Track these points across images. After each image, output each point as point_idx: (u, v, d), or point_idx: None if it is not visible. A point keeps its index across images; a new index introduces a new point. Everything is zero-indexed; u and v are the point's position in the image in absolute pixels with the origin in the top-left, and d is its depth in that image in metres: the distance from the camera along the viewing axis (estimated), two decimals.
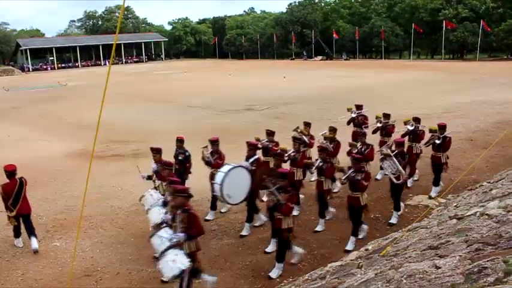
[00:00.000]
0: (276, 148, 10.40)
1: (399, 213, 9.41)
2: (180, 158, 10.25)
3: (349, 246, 8.25)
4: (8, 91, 43.36)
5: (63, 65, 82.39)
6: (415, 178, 11.56)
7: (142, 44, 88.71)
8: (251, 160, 9.37)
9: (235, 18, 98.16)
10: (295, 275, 7.44)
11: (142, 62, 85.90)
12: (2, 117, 26.43)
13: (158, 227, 6.86)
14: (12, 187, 8.62)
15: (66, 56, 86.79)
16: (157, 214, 7.39)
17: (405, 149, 9.95)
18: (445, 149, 10.47)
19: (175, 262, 5.96)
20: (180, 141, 10.40)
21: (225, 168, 8.50)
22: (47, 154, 16.45)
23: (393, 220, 9.30)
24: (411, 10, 68.08)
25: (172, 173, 8.61)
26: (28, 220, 8.85)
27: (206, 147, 9.85)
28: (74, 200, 11.18)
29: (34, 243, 8.72)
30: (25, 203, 8.77)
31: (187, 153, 10.25)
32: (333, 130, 11.12)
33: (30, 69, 76.82)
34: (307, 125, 11.66)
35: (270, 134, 10.92)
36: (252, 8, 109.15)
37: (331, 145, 10.54)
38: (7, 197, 8.60)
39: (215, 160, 9.59)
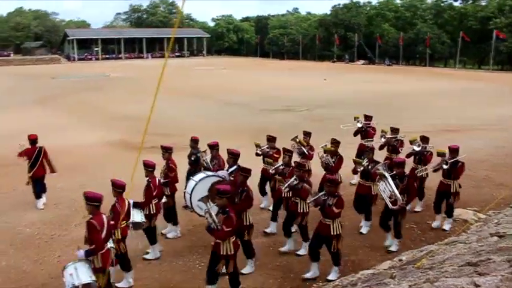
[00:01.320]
0: (277, 155, 9.75)
1: (398, 240, 8.40)
2: (192, 158, 9.98)
3: (331, 276, 7.40)
4: (54, 79, 44.80)
5: (107, 56, 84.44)
6: (417, 209, 10.22)
7: (185, 39, 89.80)
8: (230, 170, 8.61)
9: (278, 18, 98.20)
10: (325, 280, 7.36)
11: (184, 57, 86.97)
12: (46, 105, 27.32)
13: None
14: (33, 152, 10.23)
15: (110, 47, 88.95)
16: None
17: (407, 171, 9.02)
18: (456, 176, 9.04)
19: (72, 276, 5.66)
20: (194, 142, 10.02)
21: (197, 177, 8.19)
22: (85, 142, 16.88)
23: (393, 248, 8.31)
24: (460, 18, 66.27)
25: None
26: (42, 182, 10.44)
27: (205, 151, 9.47)
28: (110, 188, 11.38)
29: (40, 203, 10.38)
30: (41, 167, 10.33)
31: (199, 154, 9.85)
32: (335, 143, 9.99)
33: (76, 59, 79.10)
34: (307, 134, 10.81)
35: (271, 139, 10.19)
36: (297, 8, 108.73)
37: (332, 159, 9.65)
38: (29, 160, 10.24)
39: (214, 166, 9.15)
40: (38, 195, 10.43)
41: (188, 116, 22.35)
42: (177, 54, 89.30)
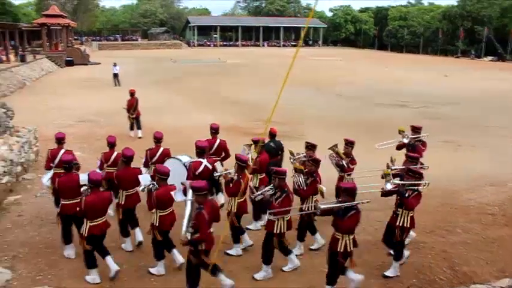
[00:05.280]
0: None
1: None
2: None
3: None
4: (174, 63, 47.44)
5: (224, 43, 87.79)
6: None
7: (301, 28, 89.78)
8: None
9: (399, 8, 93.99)
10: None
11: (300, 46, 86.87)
12: (165, 86, 28.99)
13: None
14: (133, 102, 15.37)
15: (228, 34, 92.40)
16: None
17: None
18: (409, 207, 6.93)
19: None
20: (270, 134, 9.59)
21: (180, 157, 8.44)
22: (197, 124, 17.46)
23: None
24: None
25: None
26: (138, 120, 15.50)
27: (250, 146, 8.63)
28: None
29: (138, 134, 15.38)
30: (138, 111, 15.44)
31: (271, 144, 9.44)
32: (312, 161, 7.89)
33: (196, 45, 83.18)
34: (349, 144, 8.95)
35: (310, 147, 8.61)
36: None
37: (307, 180, 7.68)
38: (130, 107, 15.35)
39: (254, 163, 8.43)
40: (131, 128, 15.61)
41: (301, 106, 22.18)
42: (292, 43, 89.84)
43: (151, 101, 20.89)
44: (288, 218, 6.99)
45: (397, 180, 7.09)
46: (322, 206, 6.30)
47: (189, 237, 6.08)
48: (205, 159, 8.35)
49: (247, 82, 31.69)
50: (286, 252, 7.25)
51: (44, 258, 7.48)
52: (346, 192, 6.27)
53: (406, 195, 6.88)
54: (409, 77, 37.21)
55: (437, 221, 9.19)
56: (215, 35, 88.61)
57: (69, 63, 43.13)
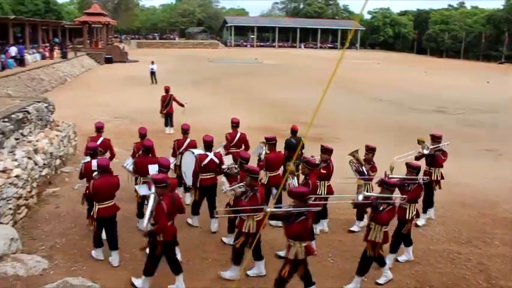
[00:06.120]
0: (324, 171, 8.17)
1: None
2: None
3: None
4: (211, 62, 47.78)
5: (261, 43, 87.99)
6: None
7: (339, 31, 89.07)
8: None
9: (441, 12, 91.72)
10: None
11: (336, 48, 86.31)
12: (201, 85, 29.26)
13: None
14: (166, 98, 15.93)
15: (265, 35, 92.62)
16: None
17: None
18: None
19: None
20: (292, 132, 10.25)
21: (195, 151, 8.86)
22: (227, 123, 17.51)
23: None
24: None
25: None
26: (172, 116, 16.16)
27: (266, 143, 8.95)
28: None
29: (168, 131, 15.91)
30: (171, 107, 16.01)
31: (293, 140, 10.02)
32: (306, 163, 7.69)
33: (232, 45, 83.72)
34: (370, 150, 8.70)
35: (325, 151, 8.43)
36: (462, 2, 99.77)
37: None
38: (163, 102, 15.92)
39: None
40: (166, 125, 16.14)
41: (337, 109, 21.76)
42: (329, 45, 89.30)
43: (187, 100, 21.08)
44: (259, 218, 6.76)
45: (368, 193, 6.96)
46: (268, 209, 6.05)
47: (148, 229, 6.20)
48: (212, 153, 8.55)
49: (282, 83, 31.63)
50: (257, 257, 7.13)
51: (79, 250, 7.67)
52: (296, 196, 5.97)
53: (380, 208, 6.52)
54: (449, 82, 36.30)
55: (475, 232, 8.96)
56: (252, 36, 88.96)
57: (108, 61, 44.08)
